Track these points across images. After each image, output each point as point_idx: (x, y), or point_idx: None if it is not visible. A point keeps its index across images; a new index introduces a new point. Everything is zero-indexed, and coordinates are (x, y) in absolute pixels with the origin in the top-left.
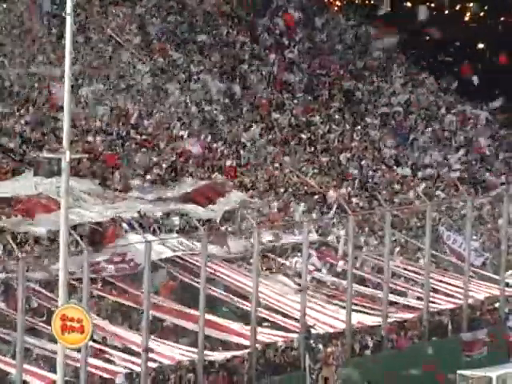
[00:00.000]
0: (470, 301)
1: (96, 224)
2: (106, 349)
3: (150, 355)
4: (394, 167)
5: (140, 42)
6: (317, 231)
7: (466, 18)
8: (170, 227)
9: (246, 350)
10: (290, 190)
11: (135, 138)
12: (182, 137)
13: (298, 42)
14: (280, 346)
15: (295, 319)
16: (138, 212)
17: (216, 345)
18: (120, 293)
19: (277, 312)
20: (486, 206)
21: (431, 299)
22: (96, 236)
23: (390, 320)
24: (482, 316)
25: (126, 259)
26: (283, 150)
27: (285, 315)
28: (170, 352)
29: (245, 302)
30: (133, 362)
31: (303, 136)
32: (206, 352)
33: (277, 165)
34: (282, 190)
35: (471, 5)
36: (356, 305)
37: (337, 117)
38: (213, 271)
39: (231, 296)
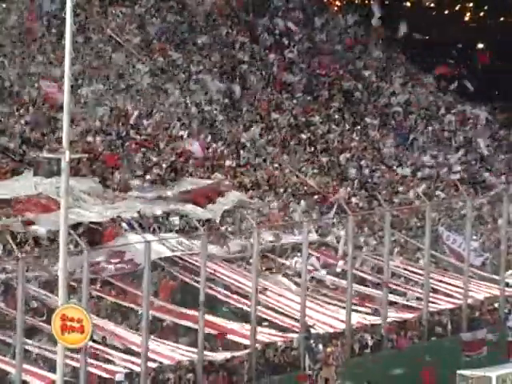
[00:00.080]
0: (470, 301)
1: (96, 224)
2: (106, 349)
3: (150, 355)
4: (394, 167)
5: (140, 42)
6: (316, 231)
7: (466, 19)
8: (169, 227)
9: (246, 350)
10: (290, 190)
11: (135, 138)
12: (181, 137)
13: (298, 42)
14: (280, 346)
15: (295, 319)
16: (138, 212)
17: (216, 345)
18: (119, 292)
19: (276, 312)
20: (485, 206)
21: (431, 299)
22: (95, 236)
23: (389, 320)
24: (481, 316)
25: (125, 259)
26: (283, 150)
27: (284, 315)
28: (170, 352)
29: (245, 301)
30: (132, 362)
31: (303, 136)
32: (205, 352)
33: (276, 165)
34: (281, 190)
35: (471, 5)
36: (356, 305)
37: (336, 117)
38: (212, 271)
39: (230, 294)
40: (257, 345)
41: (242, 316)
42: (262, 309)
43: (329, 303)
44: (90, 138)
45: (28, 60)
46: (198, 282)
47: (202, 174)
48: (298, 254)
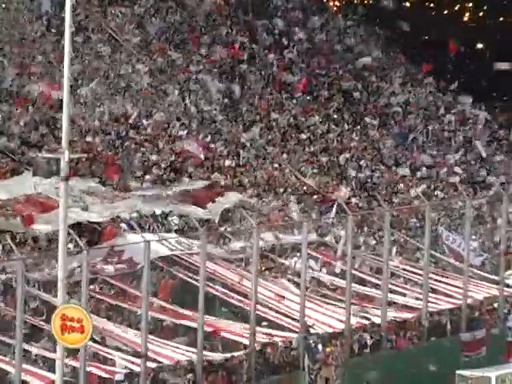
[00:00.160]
0: (469, 301)
1: (95, 223)
2: (105, 349)
3: (150, 355)
4: (393, 167)
5: (139, 42)
6: (316, 231)
7: (465, 19)
8: (168, 227)
9: (245, 350)
10: (289, 190)
11: (134, 138)
12: (181, 137)
13: (297, 42)
14: (279, 346)
15: (294, 319)
16: (138, 212)
17: (215, 345)
18: (118, 292)
19: (276, 312)
20: (484, 205)
21: (430, 299)
22: (94, 235)
23: (388, 320)
24: (481, 316)
25: (123, 258)
26: (282, 149)
27: (284, 315)
28: (170, 352)
29: (244, 300)
30: (132, 362)
31: (303, 136)
32: (205, 352)
33: (276, 165)
34: (281, 190)
35: (470, 5)
36: (355, 305)
37: (336, 117)
38: (212, 271)
39: (229, 293)
40: (256, 345)
41: (242, 316)
42: (261, 308)
43: (328, 303)
44: (89, 138)
45: (28, 60)
46: (197, 281)
47: (202, 174)
48: (298, 254)
